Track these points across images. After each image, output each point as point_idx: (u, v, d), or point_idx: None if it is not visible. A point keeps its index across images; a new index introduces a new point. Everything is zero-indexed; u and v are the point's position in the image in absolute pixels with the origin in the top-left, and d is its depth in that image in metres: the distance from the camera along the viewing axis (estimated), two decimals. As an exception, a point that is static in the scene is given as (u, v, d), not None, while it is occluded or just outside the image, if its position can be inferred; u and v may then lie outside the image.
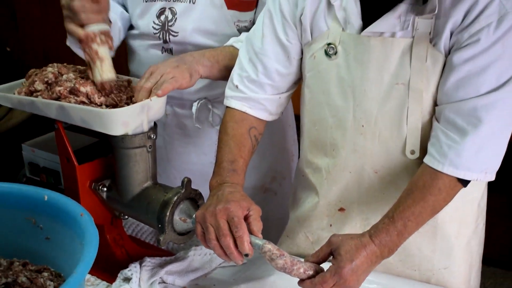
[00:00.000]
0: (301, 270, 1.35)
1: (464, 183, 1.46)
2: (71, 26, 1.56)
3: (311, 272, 1.36)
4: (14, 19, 4.15)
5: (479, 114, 1.41)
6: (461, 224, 1.63)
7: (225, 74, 1.78)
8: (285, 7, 1.60)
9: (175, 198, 1.53)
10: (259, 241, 1.38)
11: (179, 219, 1.55)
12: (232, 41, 1.82)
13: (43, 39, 4.12)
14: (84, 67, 1.70)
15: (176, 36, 1.92)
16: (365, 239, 1.39)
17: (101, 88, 1.58)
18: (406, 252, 1.60)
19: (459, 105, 1.44)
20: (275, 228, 1.88)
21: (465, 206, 1.59)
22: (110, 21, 1.68)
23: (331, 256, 1.38)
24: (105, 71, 1.57)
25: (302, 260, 1.39)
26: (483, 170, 1.46)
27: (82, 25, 1.54)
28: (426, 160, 1.48)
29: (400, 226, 1.41)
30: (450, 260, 1.66)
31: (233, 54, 1.78)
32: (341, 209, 1.69)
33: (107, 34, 1.59)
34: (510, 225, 3.29)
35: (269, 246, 1.36)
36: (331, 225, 1.71)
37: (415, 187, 1.47)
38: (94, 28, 1.56)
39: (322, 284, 1.33)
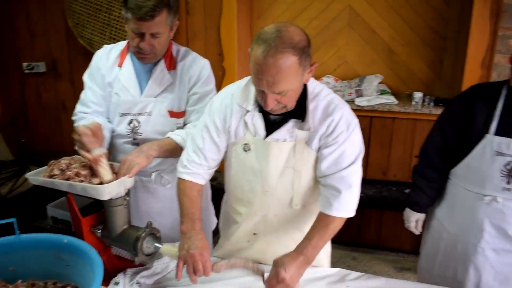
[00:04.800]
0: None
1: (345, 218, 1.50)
2: (83, 152, 1.49)
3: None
4: (27, 123, 3.86)
5: (346, 180, 1.45)
6: None
7: (167, 154, 1.72)
8: (218, 122, 1.54)
9: (143, 234, 1.47)
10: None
11: (146, 247, 1.48)
12: (168, 134, 1.75)
13: (46, 138, 3.87)
14: (84, 160, 1.59)
15: (141, 135, 1.83)
16: (294, 254, 1.40)
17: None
18: None
19: (333, 176, 1.45)
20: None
21: None
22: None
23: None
24: (105, 175, 1.50)
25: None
26: (352, 210, 1.49)
27: (88, 150, 1.49)
28: (321, 208, 1.48)
29: (314, 244, 1.42)
30: (325, 248, 1.66)
31: (171, 142, 1.73)
32: (255, 234, 1.65)
33: (105, 154, 1.52)
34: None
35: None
36: (248, 241, 1.67)
37: (319, 223, 1.47)
38: (97, 151, 1.50)
39: (270, 285, 1.37)
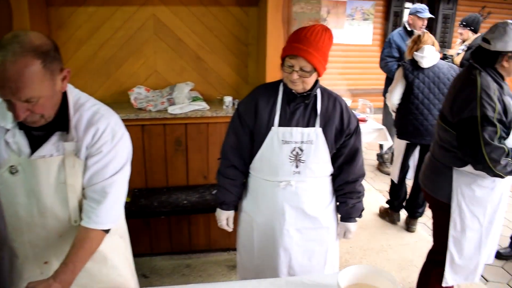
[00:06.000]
0: None
1: (107, 231, 1.45)
2: None
3: None
4: None
5: (106, 190, 1.41)
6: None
7: None
8: None
9: None
10: None
11: None
12: None
13: None
14: None
15: None
16: (51, 281, 1.29)
17: None
18: (92, 275, 1.53)
19: (94, 187, 1.42)
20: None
21: (112, 239, 1.56)
22: None
23: None
24: None
25: None
26: (113, 222, 1.47)
27: None
28: (82, 222, 1.42)
29: (71, 267, 1.34)
30: (120, 269, 1.63)
31: None
32: (46, 262, 1.52)
33: None
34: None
35: None
36: (42, 273, 1.52)
37: (77, 241, 1.40)
38: None
39: None
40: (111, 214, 1.45)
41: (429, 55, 3.51)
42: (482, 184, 2.29)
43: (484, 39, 2.23)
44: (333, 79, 6.90)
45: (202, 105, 3.00)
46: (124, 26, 3.15)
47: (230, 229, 2.17)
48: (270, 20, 2.91)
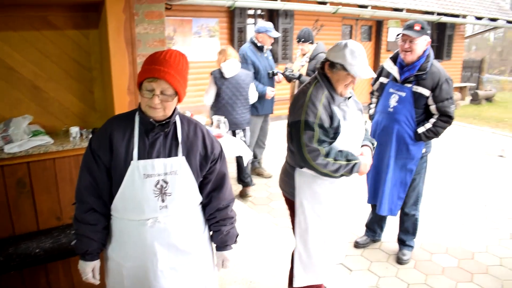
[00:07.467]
0: None
1: None
2: None
3: None
4: None
5: None
6: None
7: None
8: None
9: None
10: None
11: None
12: None
13: None
14: None
15: None
16: None
17: None
18: None
19: None
20: None
21: None
22: None
23: None
24: None
25: None
26: None
27: None
28: None
29: None
30: None
31: None
32: None
33: None
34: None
35: None
36: None
37: None
38: None
39: None
40: None
41: (231, 67, 4.51)
42: (321, 183, 2.46)
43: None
44: (188, 96, 6.89)
45: (45, 140, 2.71)
46: None
47: (97, 281, 1.95)
48: (113, 42, 2.76)
